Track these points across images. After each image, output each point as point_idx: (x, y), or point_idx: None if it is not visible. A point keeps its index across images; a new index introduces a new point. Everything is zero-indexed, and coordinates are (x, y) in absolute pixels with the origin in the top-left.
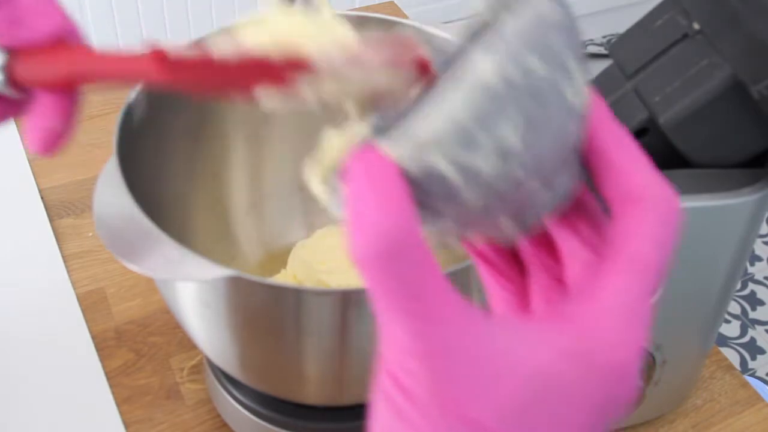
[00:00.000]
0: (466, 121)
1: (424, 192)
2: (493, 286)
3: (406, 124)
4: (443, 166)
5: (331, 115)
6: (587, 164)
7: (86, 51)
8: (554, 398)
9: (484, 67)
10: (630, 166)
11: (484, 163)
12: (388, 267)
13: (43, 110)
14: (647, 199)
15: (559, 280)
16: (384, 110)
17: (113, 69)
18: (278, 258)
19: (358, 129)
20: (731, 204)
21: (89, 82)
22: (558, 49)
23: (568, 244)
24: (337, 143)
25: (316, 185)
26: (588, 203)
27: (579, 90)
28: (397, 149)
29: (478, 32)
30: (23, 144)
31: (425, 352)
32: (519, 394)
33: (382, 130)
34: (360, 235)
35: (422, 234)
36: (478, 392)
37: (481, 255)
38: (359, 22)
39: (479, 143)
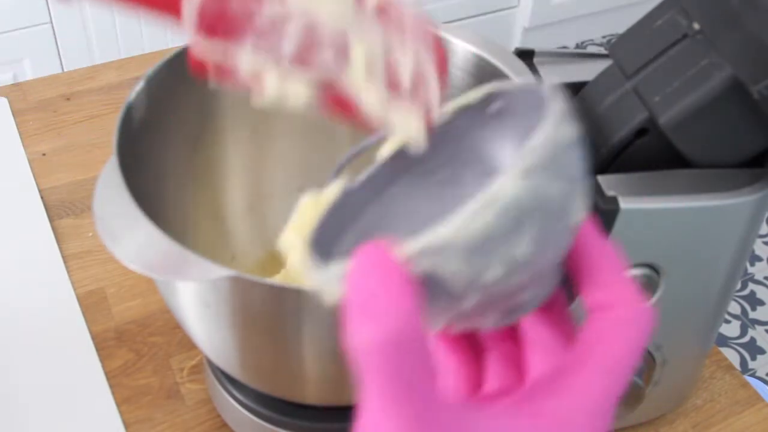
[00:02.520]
0: (482, 234)
1: (426, 290)
2: (448, 367)
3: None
4: (452, 271)
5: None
6: (570, 269)
7: None
8: None
9: (508, 186)
10: (610, 279)
11: (491, 274)
12: (393, 358)
13: None
14: (622, 311)
15: (516, 366)
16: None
17: None
18: (278, 258)
19: (329, 192)
20: (731, 204)
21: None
22: (572, 171)
23: (535, 334)
24: (311, 207)
25: (295, 252)
26: (557, 298)
27: (581, 208)
28: (410, 248)
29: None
30: (23, 144)
31: None
32: None
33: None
34: (369, 324)
35: (424, 331)
36: None
37: (442, 337)
38: None
39: (491, 256)
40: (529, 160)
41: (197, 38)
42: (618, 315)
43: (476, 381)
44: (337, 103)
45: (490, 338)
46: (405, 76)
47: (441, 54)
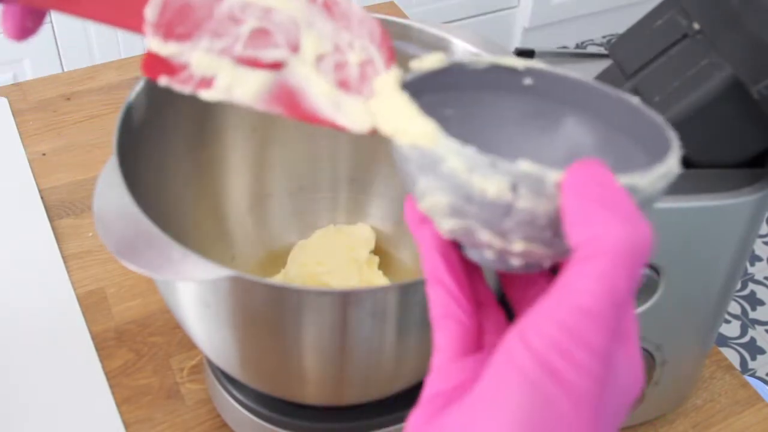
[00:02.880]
0: (654, 195)
1: None
2: (451, 323)
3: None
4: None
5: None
6: None
7: None
8: None
9: (675, 165)
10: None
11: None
12: (633, 261)
13: (19, 11)
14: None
15: None
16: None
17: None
18: (278, 258)
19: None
20: (731, 204)
21: (69, 13)
22: None
23: None
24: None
25: (425, 128)
26: None
27: None
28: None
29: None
30: (23, 144)
31: (607, 350)
32: (617, 405)
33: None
34: (626, 225)
35: None
36: (610, 398)
37: (452, 294)
38: None
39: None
40: (679, 152)
41: (156, 39)
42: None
43: (475, 340)
44: (282, 99)
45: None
46: (353, 68)
47: (389, 48)
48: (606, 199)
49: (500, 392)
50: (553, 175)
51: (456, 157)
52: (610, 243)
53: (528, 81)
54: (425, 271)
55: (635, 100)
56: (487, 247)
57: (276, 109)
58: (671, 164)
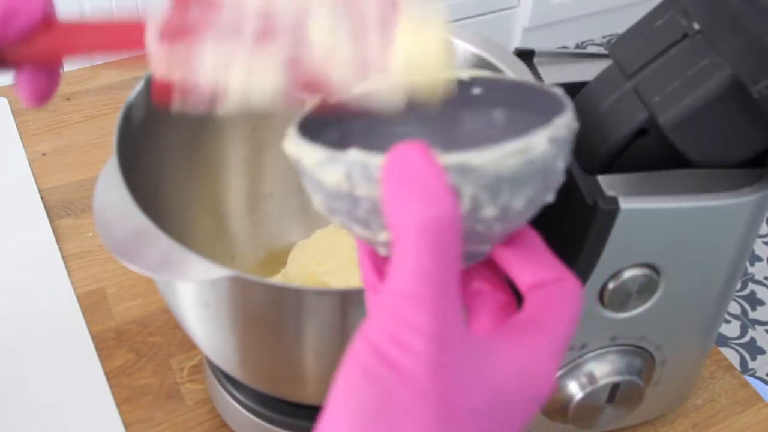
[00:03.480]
0: (505, 173)
1: None
2: None
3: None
4: (461, 194)
5: None
6: (505, 251)
7: (66, 29)
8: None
9: (538, 143)
10: (552, 260)
11: (486, 212)
12: (442, 238)
13: (30, 74)
14: (570, 283)
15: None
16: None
17: (97, 42)
18: (278, 258)
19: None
20: (731, 204)
21: (74, 56)
22: (566, 159)
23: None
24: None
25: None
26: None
27: (552, 195)
28: (443, 159)
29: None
30: (23, 144)
31: (437, 331)
32: (491, 398)
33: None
34: (424, 203)
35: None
36: (469, 387)
37: None
38: None
39: (496, 197)
40: (556, 131)
41: (160, 51)
42: (568, 286)
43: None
44: (304, 83)
45: (479, 284)
46: (371, 36)
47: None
48: (412, 178)
49: (345, 388)
50: (376, 160)
51: (307, 156)
52: (409, 223)
53: (477, 90)
54: (361, 277)
55: (558, 90)
56: (374, 243)
57: (303, 96)
58: (530, 142)
